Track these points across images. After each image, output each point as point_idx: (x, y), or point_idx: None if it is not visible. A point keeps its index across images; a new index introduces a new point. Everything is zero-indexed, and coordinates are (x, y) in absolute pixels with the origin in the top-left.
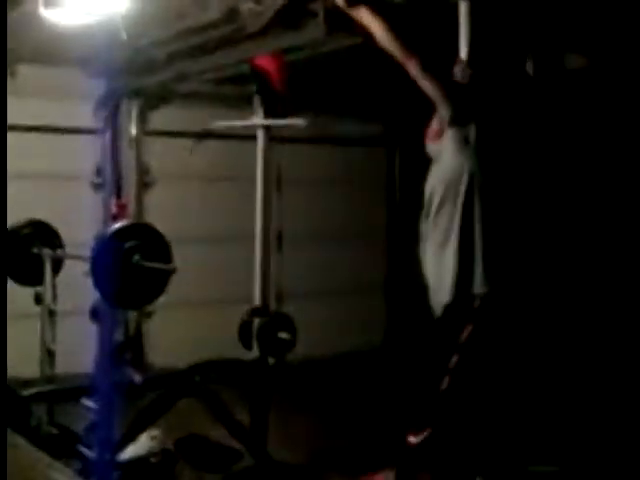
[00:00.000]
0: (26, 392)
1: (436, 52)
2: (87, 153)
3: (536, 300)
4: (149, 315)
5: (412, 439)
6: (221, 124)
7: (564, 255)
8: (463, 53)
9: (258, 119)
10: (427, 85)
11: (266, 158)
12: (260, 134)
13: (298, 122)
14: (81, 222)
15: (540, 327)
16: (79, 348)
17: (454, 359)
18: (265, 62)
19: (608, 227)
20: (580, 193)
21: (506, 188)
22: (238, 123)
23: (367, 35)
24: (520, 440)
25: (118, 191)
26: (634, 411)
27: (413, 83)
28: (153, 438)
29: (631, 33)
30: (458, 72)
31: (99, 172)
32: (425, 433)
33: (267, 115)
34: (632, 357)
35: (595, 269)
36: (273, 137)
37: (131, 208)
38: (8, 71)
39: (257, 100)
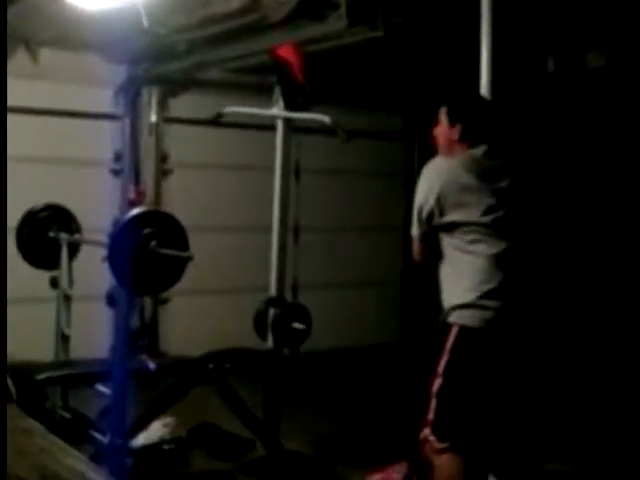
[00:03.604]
0: (41, 376)
1: (457, 51)
2: (107, 139)
3: (543, 300)
4: (165, 302)
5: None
6: (241, 110)
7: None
8: (484, 49)
9: (278, 110)
10: None
11: (285, 149)
12: (280, 125)
13: (323, 118)
14: (99, 207)
15: (548, 327)
16: (94, 333)
17: (437, 382)
18: (286, 52)
19: (627, 229)
20: (597, 191)
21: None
22: (259, 112)
23: None
24: (533, 438)
25: (136, 177)
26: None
27: (432, 78)
28: (166, 425)
29: None
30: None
31: (118, 158)
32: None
33: (287, 106)
34: (634, 359)
35: (595, 276)
36: (292, 127)
37: (149, 195)
38: (30, 55)
39: (277, 91)
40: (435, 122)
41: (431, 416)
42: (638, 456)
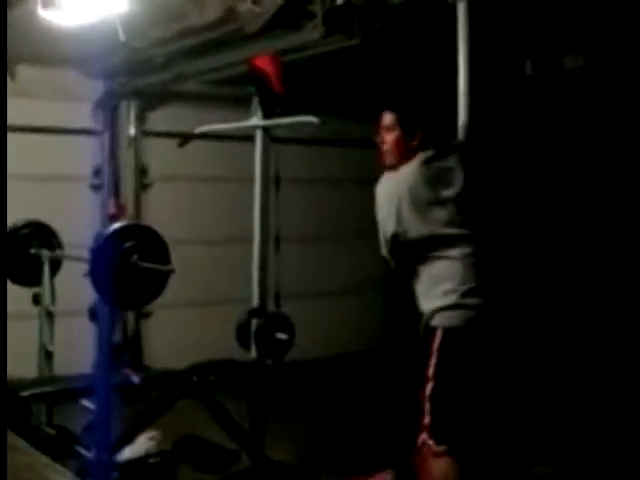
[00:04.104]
0: (25, 393)
1: (434, 55)
2: (86, 154)
3: (534, 300)
4: (147, 316)
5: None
6: (218, 127)
7: (556, 268)
8: (462, 55)
9: (257, 120)
10: None
11: (264, 159)
12: (259, 135)
13: (310, 119)
14: (79, 223)
15: (538, 330)
16: (77, 349)
17: (429, 386)
18: (263, 63)
19: (604, 229)
20: (577, 194)
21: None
22: (235, 125)
23: None
24: (520, 442)
25: (116, 192)
26: (632, 413)
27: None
28: (151, 439)
29: (628, 33)
30: None
31: (98, 173)
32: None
33: (266, 116)
34: (630, 360)
35: (591, 277)
36: (272, 138)
37: (129, 209)
38: (8, 72)
39: (256, 101)
40: (379, 128)
41: (427, 420)
42: (624, 458)
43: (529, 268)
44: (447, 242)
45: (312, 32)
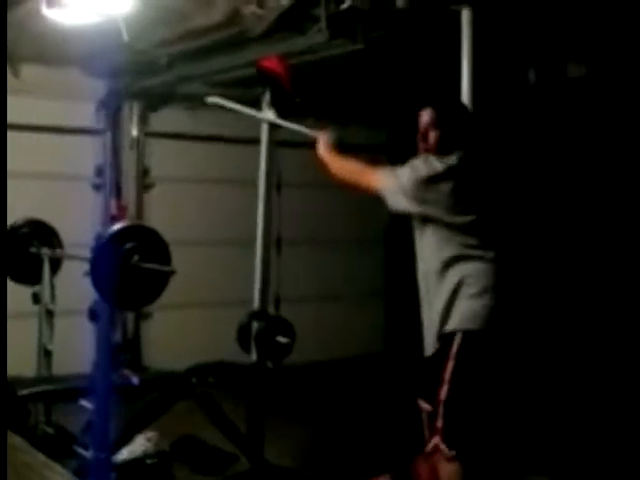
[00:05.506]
0: (23, 392)
1: (438, 61)
2: (88, 154)
3: (529, 316)
4: (147, 317)
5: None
6: (232, 105)
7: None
8: (465, 61)
9: (271, 115)
10: None
11: (269, 159)
12: (264, 135)
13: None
14: (80, 222)
15: (534, 340)
16: (77, 348)
17: (444, 389)
18: (272, 64)
19: (604, 233)
20: (580, 199)
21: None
22: (249, 111)
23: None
24: (517, 450)
25: (118, 192)
26: (626, 421)
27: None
28: (149, 440)
29: (630, 42)
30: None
31: (99, 173)
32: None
33: (280, 116)
34: (623, 369)
35: (592, 281)
36: (275, 141)
37: (131, 209)
38: (11, 71)
39: (266, 102)
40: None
41: (440, 423)
42: (619, 467)
43: (542, 274)
44: (472, 238)
45: (316, 36)
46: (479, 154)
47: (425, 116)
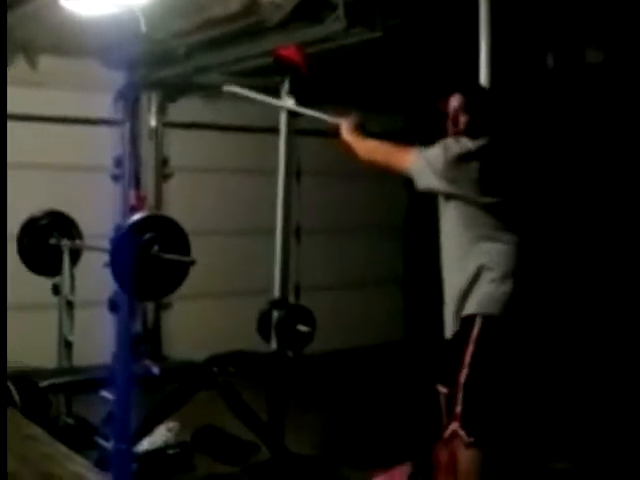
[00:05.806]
0: (44, 383)
1: (456, 48)
2: (106, 144)
3: (549, 302)
4: (167, 307)
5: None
6: (251, 94)
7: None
8: (483, 47)
9: (290, 104)
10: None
11: (289, 149)
12: (283, 123)
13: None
14: (100, 213)
15: (552, 328)
16: (97, 339)
17: (464, 373)
18: (290, 53)
19: (618, 221)
20: (598, 186)
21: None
22: (271, 100)
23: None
24: (536, 437)
25: (137, 183)
26: None
27: (434, 77)
28: (170, 430)
29: None
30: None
31: (118, 163)
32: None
33: (300, 104)
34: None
35: (600, 276)
36: (294, 129)
37: (150, 199)
38: (29, 62)
39: (285, 90)
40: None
41: (459, 409)
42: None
43: (563, 261)
44: (499, 220)
45: (334, 24)
46: (506, 138)
47: (454, 101)
